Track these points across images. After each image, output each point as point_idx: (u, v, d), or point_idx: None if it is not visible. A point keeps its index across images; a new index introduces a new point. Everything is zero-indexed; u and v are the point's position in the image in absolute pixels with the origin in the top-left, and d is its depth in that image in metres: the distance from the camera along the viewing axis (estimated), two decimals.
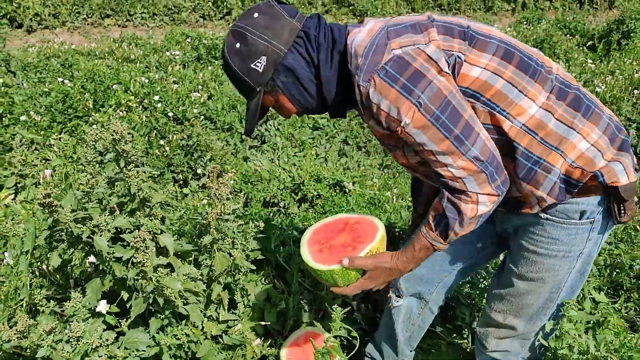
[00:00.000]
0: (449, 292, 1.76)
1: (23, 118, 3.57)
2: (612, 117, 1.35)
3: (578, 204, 1.33)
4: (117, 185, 1.68)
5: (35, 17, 7.72)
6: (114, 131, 1.59)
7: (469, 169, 1.24)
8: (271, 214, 2.94)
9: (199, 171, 3.42)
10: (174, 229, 2.21)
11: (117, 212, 1.65)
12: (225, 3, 8.46)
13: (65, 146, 3.44)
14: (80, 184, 1.65)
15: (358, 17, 8.38)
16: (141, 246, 1.44)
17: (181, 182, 3.43)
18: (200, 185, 3.40)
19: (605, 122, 1.32)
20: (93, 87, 3.85)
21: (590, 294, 2.27)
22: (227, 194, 1.60)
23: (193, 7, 8.56)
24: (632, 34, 5.77)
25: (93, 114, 3.63)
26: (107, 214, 1.58)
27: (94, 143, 1.62)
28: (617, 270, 2.37)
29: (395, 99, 1.21)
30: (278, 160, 3.56)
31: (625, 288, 2.32)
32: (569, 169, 1.29)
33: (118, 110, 3.65)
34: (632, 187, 1.31)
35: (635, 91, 4.29)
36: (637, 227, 2.61)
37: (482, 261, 1.70)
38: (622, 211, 1.34)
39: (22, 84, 4.22)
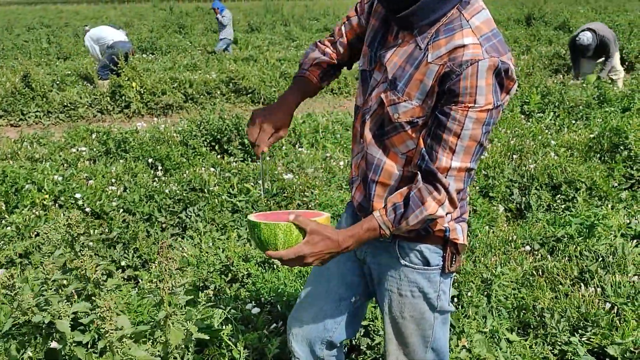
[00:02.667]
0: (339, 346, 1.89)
1: None
2: None
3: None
4: (71, 273, 1.75)
5: None
6: (69, 217, 1.69)
7: (461, 175, 1.44)
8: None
9: (122, 263, 3.43)
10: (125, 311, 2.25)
11: (75, 297, 1.71)
12: (123, 97, 8.53)
13: None
14: (41, 272, 1.70)
15: (256, 105, 8.79)
16: (107, 315, 1.52)
17: (106, 276, 3.40)
18: (126, 277, 3.41)
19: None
20: (3, 188, 3.78)
21: (505, 335, 2.56)
22: (177, 268, 1.73)
23: (90, 103, 8.55)
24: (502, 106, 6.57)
25: (6, 216, 3.56)
26: (65, 300, 1.65)
27: (47, 234, 1.70)
28: (524, 311, 2.69)
29: (489, 86, 1.35)
30: (201, 245, 3.66)
31: (532, 326, 2.64)
32: None
33: (34, 210, 3.61)
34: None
35: (514, 156, 4.90)
36: (534, 272, 2.98)
37: (360, 315, 1.89)
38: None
39: None
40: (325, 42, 1.80)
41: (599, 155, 5.08)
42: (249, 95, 9.11)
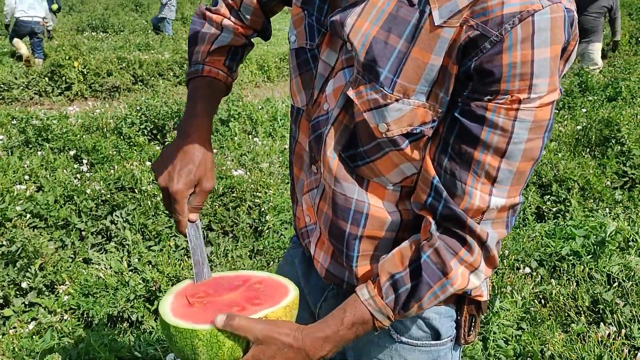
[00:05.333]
0: None
1: None
2: None
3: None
4: None
5: None
6: None
7: (503, 216, 0.84)
8: (119, 334, 2.36)
9: (24, 285, 2.73)
10: None
11: None
12: (63, 78, 7.70)
13: None
14: None
15: None
16: None
17: (1, 301, 2.71)
18: (27, 303, 2.71)
19: None
20: None
21: None
22: None
23: (26, 84, 7.70)
24: None
25: None
26: None
27: None
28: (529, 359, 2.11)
29: (555, 59, 0.74)
30: (129, 259, 2.98)
31: None
32: None
33: None
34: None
35: None
36: (534, 301, 2.41)
37: None
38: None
39: None
40: (219, 9, 1.10)
41: (587, 149, 4.57)
42: None
